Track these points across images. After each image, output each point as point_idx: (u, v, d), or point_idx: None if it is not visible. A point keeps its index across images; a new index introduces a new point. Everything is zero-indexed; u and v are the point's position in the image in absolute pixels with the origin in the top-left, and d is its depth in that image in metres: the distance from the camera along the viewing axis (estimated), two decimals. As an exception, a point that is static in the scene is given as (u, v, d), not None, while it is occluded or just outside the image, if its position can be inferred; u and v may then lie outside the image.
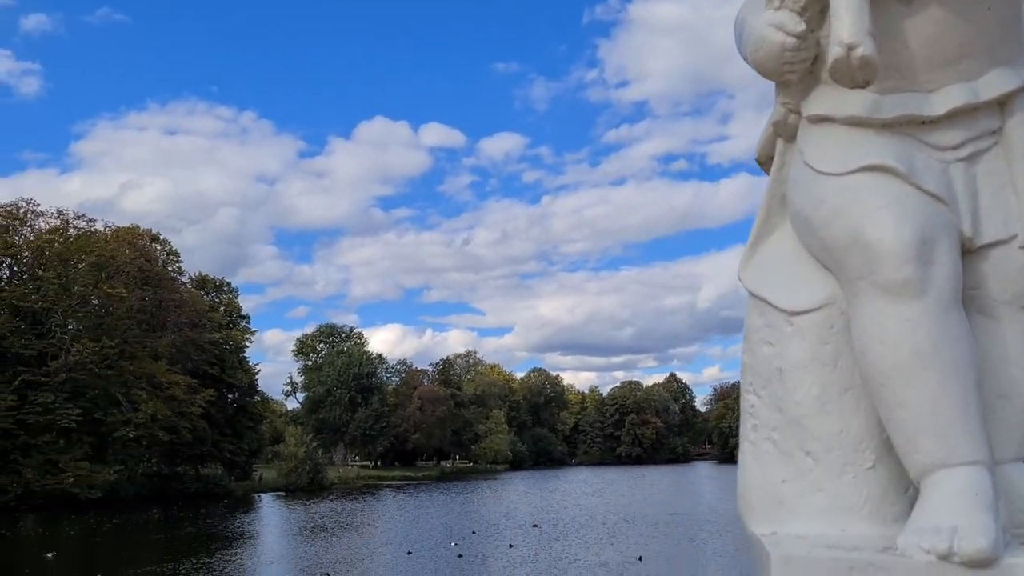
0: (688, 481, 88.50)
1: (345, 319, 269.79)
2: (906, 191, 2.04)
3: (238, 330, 79.79)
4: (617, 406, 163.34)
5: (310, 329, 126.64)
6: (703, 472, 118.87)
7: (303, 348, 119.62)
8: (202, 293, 76.60)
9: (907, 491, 2.09)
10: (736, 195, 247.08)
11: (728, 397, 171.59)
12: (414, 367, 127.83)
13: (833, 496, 2.07)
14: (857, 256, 2.02)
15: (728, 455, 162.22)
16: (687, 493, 66.02)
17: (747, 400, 2.29)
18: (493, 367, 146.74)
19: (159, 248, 70.98)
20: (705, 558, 27.42)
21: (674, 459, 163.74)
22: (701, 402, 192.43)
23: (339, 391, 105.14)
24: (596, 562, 26.42)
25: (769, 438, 2.20)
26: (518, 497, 62.76)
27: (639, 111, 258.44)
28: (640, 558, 26.39)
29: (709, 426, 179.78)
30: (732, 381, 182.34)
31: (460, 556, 26.75)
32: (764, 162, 2.64)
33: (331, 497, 63.26)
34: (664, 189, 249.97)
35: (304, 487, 71.97)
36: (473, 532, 35.43)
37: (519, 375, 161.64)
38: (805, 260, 2.27)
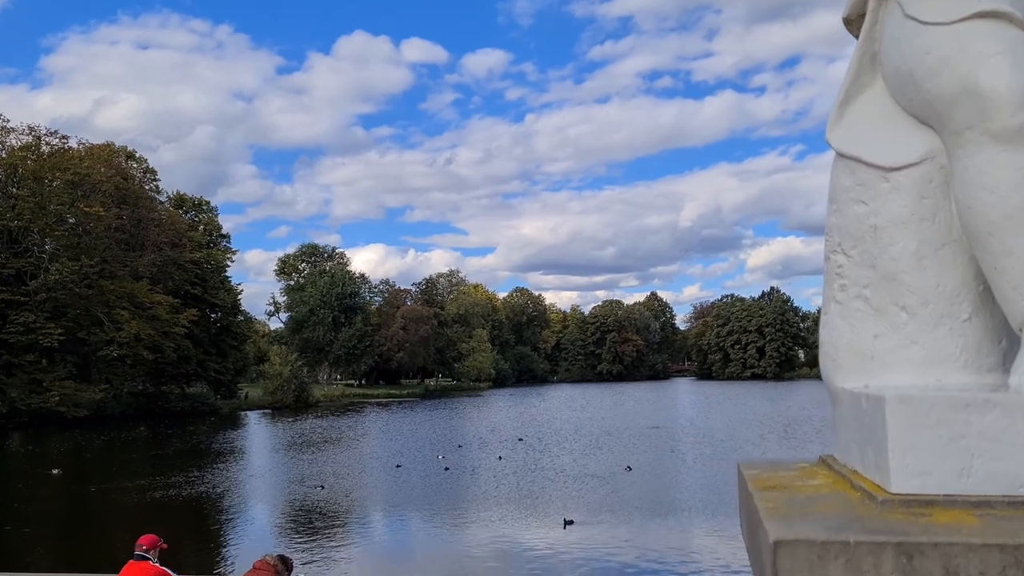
0: (668, 397, 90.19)
1: (327, 239, 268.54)
2: (1021, 38, 2.01)
3: (219, 250, 79.06)
4: (598, 325, 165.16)
5: (292, 249, 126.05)
6: (682, 388, 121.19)
7: (285, 268, 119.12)
8: (181, 212, 75.53)
9: (1000, 343, 2.15)
10: (721, 113, 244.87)
11: (707, 315, 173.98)
12: (397, 287, 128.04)
13: (928, 348, 2.14)
14: (967, 105, 2.01)
15: (706, 371, 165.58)
16: (667, 408, 67.32)
17: (834, 261, 2.31)
18: (476, 287, 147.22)
19: (135, 166, 69.58)
20: (687, 467, 28.15)
21: (654, 376, 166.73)
22: (681, 320, 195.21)
23: (322, 311, 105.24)
24: (585, 472, 26.95)
25: (860, 296, 2.24)
26: (502, 413, 63.76)
27: (624, 27, 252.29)
28: (629, 468, 26.98)
29: (688, 344, 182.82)
30: (711, 300, 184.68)
31: (447, 469, 27.18)
32: (853, 20, 2.52)
33: (317, 414, 63.96)
34: (648, 107, 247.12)
35: (290, 405, 72.69)
36: (459, 446, 35.98)
37: (502, 295, 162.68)
38: (900, 117, 2.28)
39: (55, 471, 28.76)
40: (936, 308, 2.14)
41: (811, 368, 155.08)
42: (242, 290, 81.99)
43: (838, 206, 2.34)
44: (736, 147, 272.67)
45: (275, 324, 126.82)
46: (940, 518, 1.66)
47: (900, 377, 2.13)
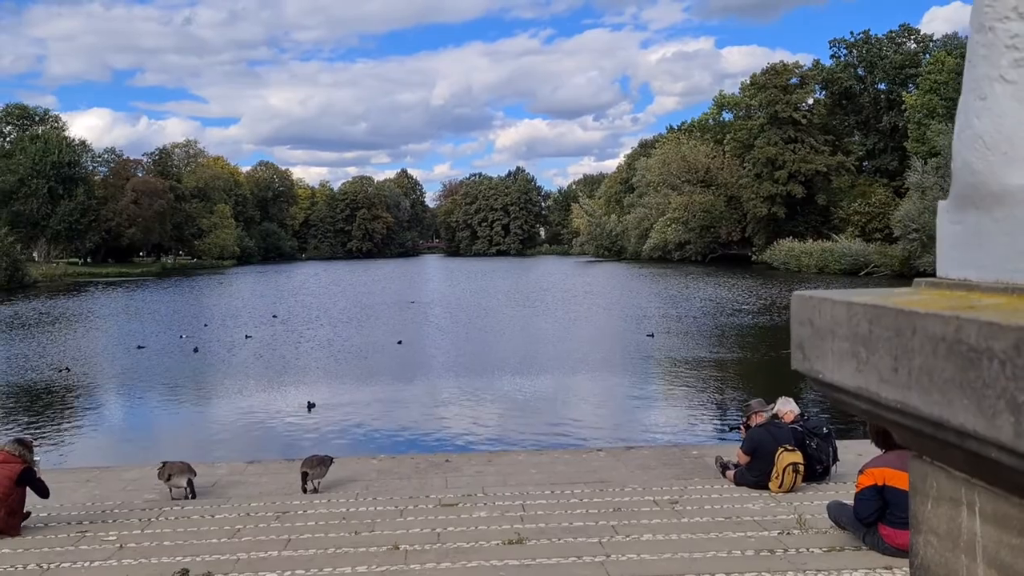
0: (420, 272, 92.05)
1: (40, 101, 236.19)
2: None
3: None
4: (348, 201, 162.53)
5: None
6: (432, 264, 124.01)
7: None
8: None
9: None
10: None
11: (456, 194, 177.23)
12: (127, 157, 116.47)
13: None
14: None
15: (454, 248, 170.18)
16: (421, 283, 68.80)
17: (1005, 31, 1.67)
18: (217, 159, 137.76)
19: None
20: (455, 341, 28.86)
21: (404, 253, 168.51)
22: (431, 198, 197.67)
23: (35, 181, 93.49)
24: (350, 347, 27.03)
25: None
26: (249, 290, 61.69)
27: None
28: (400, 342, 27.43)
29: (438, 221, 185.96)
30: (460, 178, 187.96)
31: (196, 350, 26.03)
32: None
33: (36, 295, 57.91)
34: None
35: (2, 285, 64.98)
36: (205, 325, 34.55)
37: (245, 169, 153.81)
38: None
39: None
40: None
41: (551, 245, 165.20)
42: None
43: None
44: (489, 27, 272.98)
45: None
46: None
47: None
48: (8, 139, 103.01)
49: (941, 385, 1.17)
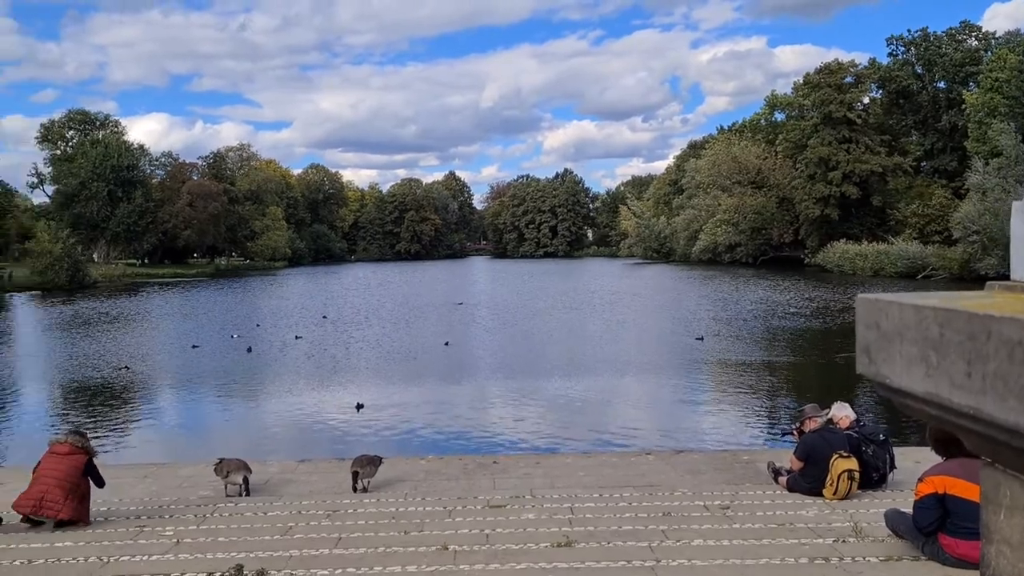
0: (467, 274, 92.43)
1: (103, 106, 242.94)
2: None
3: (-34, 112, 69.51)
4: (397, 203, 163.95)
5: (58, 115, 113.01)
6: (479, 265, 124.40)
7: (49, 135, 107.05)
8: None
9: None
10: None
11: (503, 195, 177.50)
12: (182, 160, 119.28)
13: None
14: None
15: (501, 250, 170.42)
16: (468, 285, 69.08)
17: None
18: (269, 162, 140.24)
19: None
20: (503, 343, 28.89)
21: (451, 255, 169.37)
22: (478, 200, 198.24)
23: (96, 184, 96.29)
24: (398, 348, 27.24)
25: None
26: (300, 291, 62.64)
27: None
28: (447, 343, 27.58)
29: (485, 223, 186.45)
30: (508, 180, 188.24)
31: (250, 350, 26.49)
32: None
33: (96, 295, 59.58)
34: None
35: (64, 285, 66.97)
36: (257, 325, 35.13)
37: (296, 171, 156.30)
38: None
39: None
40: None
41: (598, 247, 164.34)
42: (-2, 159, 73.23)
43: None
44: (538, 28, 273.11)
45: (40, 198, 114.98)
46: None
47: None
48: (71, 144, 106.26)
49: (1017, 391, 1.13)
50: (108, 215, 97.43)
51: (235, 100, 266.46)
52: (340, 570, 6.11)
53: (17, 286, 68.29)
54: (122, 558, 6.54)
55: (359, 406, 17.01)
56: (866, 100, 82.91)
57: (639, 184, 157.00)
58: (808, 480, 8.42)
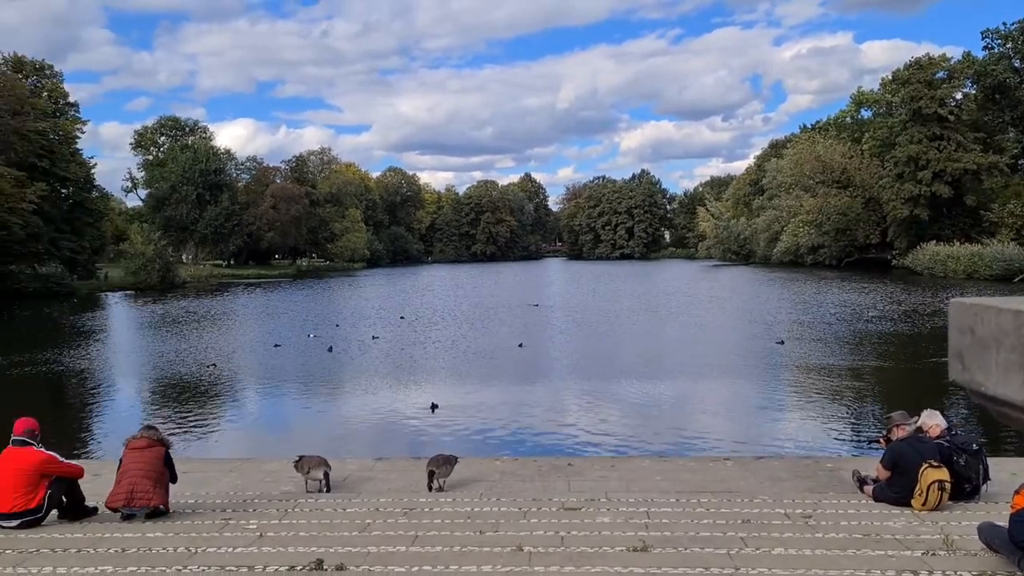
0: (542, 275, 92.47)
1: (192, 113, 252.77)
2: None
3: (67, 119, 73.13)
4: (473, 205, 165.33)
5: (150, 122, 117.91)
6: (554, 267, 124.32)
7: (142, 141, 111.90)
8: (20, 77, 68.86)
9: None
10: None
11: (579, 197, 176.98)
12: (266, 164, 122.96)
13: None
14: None
15: (577, 252, 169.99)
16: (543, 286, 69.12)
17: None
18: (349, 166, 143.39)
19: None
20: (577, 345, 28.81)
21: (527, 256, 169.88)
22: (554, 202, 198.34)
23: (185, 188, 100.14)
24: (474, 349, 27.50)
25: None
26: (378, 292, 63.74)
27: None
28: (521, 345, 27.75)
29: (560, 224, 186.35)
30: (584, 181, 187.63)
31: (331, 350, 27.09)
32: None
33: (185, 295, 61.92)
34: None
35: (155, 286, 69.85)
36: (336, 325, 35.88)
37: (375, 174, 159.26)
38: None
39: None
40: None
41: (675, 248, 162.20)
42: (95, 164, 76.88)
43: None
44: (615, 29, 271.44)
45: (133, 202, 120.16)
46: None
47: None
48: (162, 149, 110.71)
49: (1126, 402, 1.07)
50: (196, 218, 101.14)
51: (317, 105, 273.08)
52: (416, 567, 6.18)
53: (112, 286, 71.53)
54: (208, 549, 6.77)
55: (433, 406, 17.20)
56: (959, 96, 79.55)
57: (718, 185, 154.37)
58: (895, 490, 8.12)
